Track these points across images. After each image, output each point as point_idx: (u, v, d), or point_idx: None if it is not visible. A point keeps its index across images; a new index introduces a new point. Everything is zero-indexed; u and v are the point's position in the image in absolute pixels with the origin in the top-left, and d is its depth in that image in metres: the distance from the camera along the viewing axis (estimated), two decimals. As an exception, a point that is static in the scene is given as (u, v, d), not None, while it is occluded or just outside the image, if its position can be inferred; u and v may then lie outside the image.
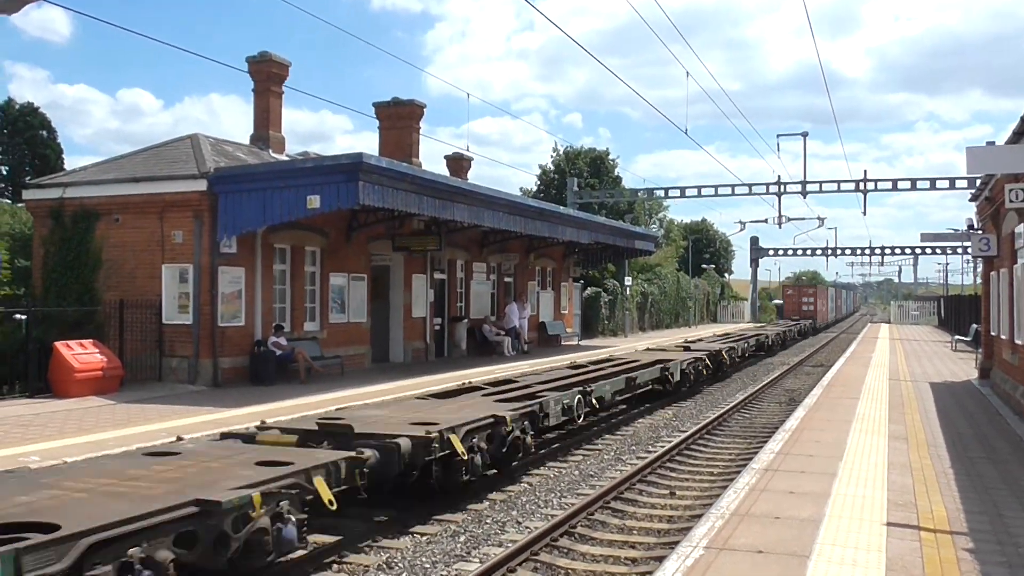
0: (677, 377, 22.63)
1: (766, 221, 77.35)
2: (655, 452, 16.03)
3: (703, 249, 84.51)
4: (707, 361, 26.15)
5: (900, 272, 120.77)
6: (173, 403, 17.26)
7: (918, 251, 79.30)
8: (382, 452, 10.20)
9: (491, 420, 12.68)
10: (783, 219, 51.96)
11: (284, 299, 23.27)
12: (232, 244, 20.57)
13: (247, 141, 26.60)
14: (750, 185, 44.99)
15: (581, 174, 58.62)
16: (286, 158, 25.89)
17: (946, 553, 7.73)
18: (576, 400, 15.72)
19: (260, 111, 26.60)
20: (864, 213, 47.49)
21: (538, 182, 64.22)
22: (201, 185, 20.24)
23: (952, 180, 41.09)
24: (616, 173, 64.63)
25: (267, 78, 26.12)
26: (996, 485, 10.65)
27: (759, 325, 58.37)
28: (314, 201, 18.31)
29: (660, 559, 9.46)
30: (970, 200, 26.70)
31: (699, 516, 11.20)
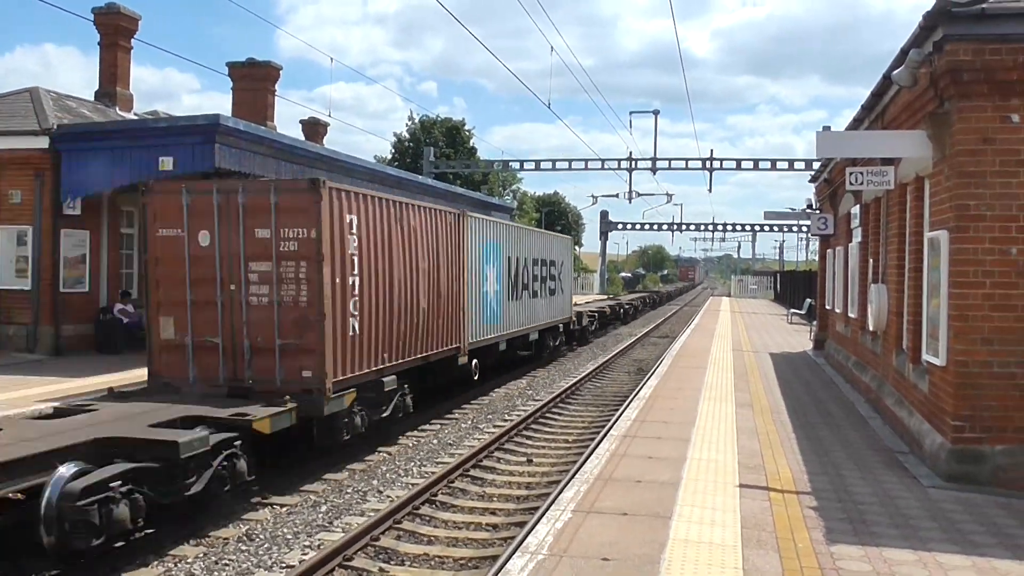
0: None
1: (617, 196, 78.95)
2: (511, 421, 16.27)
3: (555, 221, 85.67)
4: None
5: (740, 248, 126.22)
6: (10, 372, 16.29)
7: (757, 228, 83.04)
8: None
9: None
10: (633, 194, 53.28)
11: (132, 264, 22.22)
12: (76, 206, 19.43)
13: (91, 97, 25.16)
14: (603, 160, 45.92)
15: (437, 143, 58.32)
16: (134, 116, 24.66)
17: (793, 511, 8.19)
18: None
19: (107, 66, 25.15)
20: (710, 190, 49.38)
21: (393, 150, 63.57)
22: (42, 142, 19.01)
23: (791, 161, 42.98)
24: (472, 144, 64.71)
25: (115, 31, 24.69)
26: (834, 447, 11.34)
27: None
28: (167, 163, 17.51)
29: (520, 524, 9.67)
30: (810, 181, 28.11)
31: (556, 482, 11.49)
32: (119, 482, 8.08)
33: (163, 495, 8.70)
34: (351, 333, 12.63)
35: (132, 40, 25.61)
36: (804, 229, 57.71)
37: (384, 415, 13.67)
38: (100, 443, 8.78)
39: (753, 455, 10.62)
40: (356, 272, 12.73)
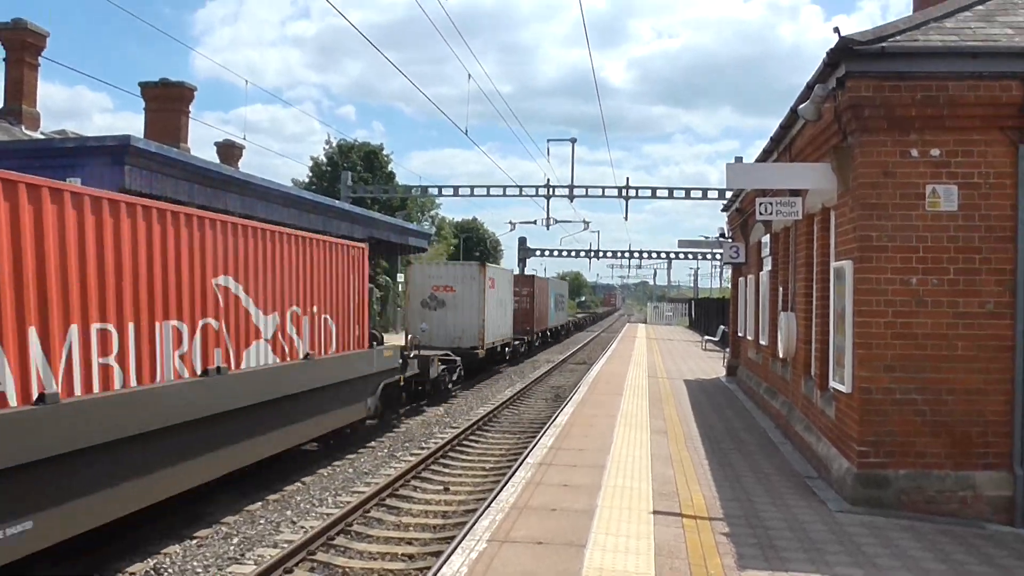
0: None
1: (535, 222, 79.52)
2: (428, 448, 16.17)
3: (473, 247, 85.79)
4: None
5: (655, 275, 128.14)
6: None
7: (672, 255, 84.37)
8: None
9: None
10: (551, 221, 53.79)
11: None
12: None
13: (-7, 116, 24.39)
14: (521, 187, 46.20)
15: (355, 168, 57.92)
16: (41, 136, 23.98)
17: (706, 537, 8.30)
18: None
19: (12, 83, 24.44)
20: (626, 218, 50.33)
21: (310, 174, 62.92)
22: (-61, 161, 18.37)
23: (704, 190, 43.88)
24: (390, 168, 64.46)
25: (21, 47, 24.05)
26: (745, 473, 11.54)
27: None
28: (74, 184, 17.04)
29: (437, 554, 9.60)
30: (722, 211, 28.73)
31: (473, 511, 11.44)
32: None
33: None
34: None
35: (39, 57, 24.95)
36: (717, 257, 58.88)
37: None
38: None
39: (667, 482, 10.74)
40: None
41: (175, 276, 10.40)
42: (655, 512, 9.18)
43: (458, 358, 24.70)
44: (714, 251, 46.05)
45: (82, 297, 8.67)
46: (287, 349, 13.56)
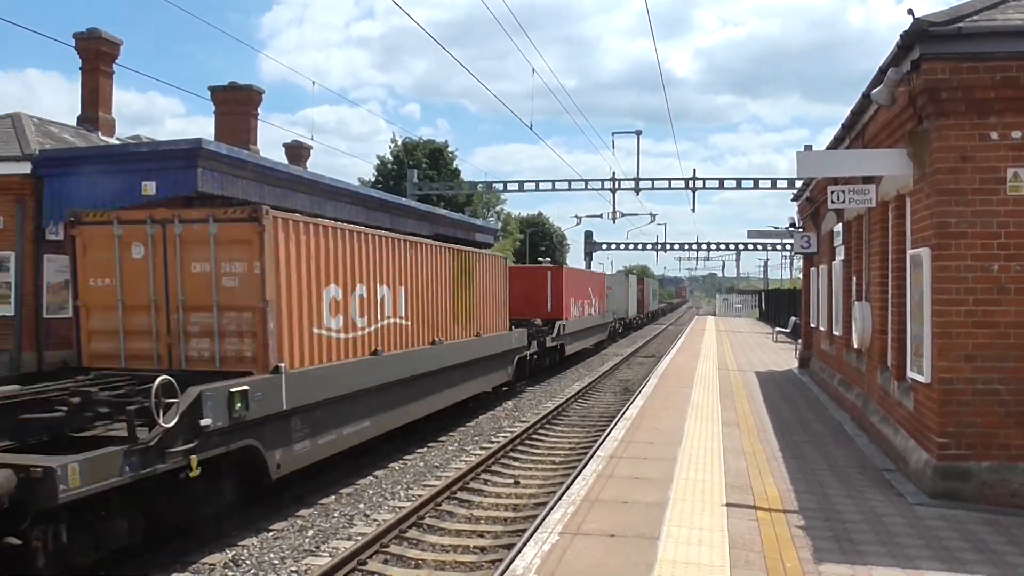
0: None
1: (601, 216, 79.10)
2: (498, 442, 16.23)
3: (539, 242, 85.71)
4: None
5: (724, 267, 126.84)
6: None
7: (741, 247, 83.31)
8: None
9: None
10: (617, 214, 53.45)
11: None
12: (59, 231, 19.32)
13: (73, 122, 25.09)
14: (586, 180, 46.03)
15: (420, 165, 58.35)
16: (116, 141, 24.58)
17: (781, 530, 8.19)
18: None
19: (88, 91, 25.08)
20: (693, 210, 49.46)
21: (376, 173, 63.56)
22: (24, 168, 18.89)
23: (774, 180, 43.14)
24: (455, 165, 64.78)
25: (96, 56, 24.66)
26: (820, 466, 11.35)
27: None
28: (149, 188, 17.40)
29: (508, 547, 9.63)
30: (792, 200, 28.26)
31: (543, 504, 11.45)
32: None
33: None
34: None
35: (113, 65, 25.57)
36: (787, 247, 57.86)
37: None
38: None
39: (740, 474, 10.61)
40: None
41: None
42: (728, 505, 9.07)
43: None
44: (784, 241, 45.21)
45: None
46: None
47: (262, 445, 10.44)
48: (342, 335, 12.99)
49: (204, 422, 9.11)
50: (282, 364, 10.97)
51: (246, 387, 9.94)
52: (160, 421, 8.48)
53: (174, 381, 8.90)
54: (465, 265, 19.34)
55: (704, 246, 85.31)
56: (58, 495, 7.29)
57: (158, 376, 8.78)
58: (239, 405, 9.72)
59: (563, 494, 10.00)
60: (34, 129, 21.53)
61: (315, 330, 12.09)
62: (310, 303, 11.95)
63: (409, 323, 15.80)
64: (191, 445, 8.97)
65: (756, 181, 43.42)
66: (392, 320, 15.00)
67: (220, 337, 11.00)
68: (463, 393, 18.96)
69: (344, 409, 12.79)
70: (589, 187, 46.02)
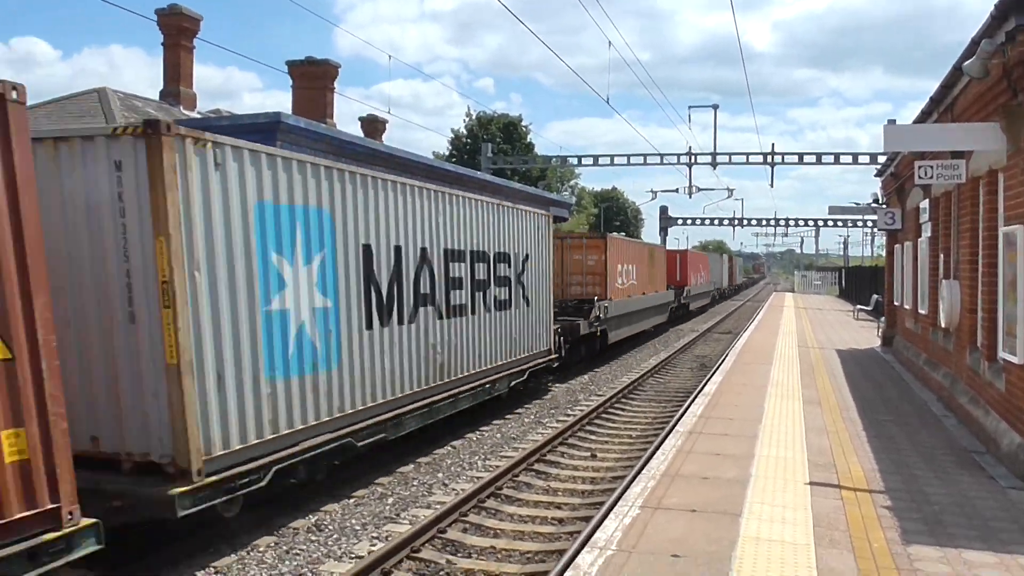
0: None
1: (677, 191, 78.18)
2: (574, 415, 16.25)
3: (613, 217, 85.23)
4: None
5: (803, 243, 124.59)
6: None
7: (820, 223, 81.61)
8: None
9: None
10: (694, 189, 52.78)
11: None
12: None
13: (156, 96, 25.70)
14: (662, 155, 45.44)
15: (494, 139, 58.39)
16: (197, 115, 25.11)
17: (867, 510, 8.04)
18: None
19: (171, 66, 25.70)
20: (772, 185, 48.70)
21: (450, 147, 63.82)
22: (110, 142, 19.49)
23: (855, 155, 42.05)
24: (529, 139, 64.68)
25: (177, 32, 25.22)
26: (905, 446, 11.10)
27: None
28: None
29: (586, 519, 9.65)
30: (875, 175, 27.51)
31: (621, 478, 11.45)
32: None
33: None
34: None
35: (194, 40, 26.09)
36: (869, 224, 56.48)
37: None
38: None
39: (823, 452, 10.45)
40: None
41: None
42: (811, 483, 8.95)
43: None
44: (866, 218, 44.13)
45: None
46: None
47: (607, 328, 24.80)
48: (624, 285, 27.43)
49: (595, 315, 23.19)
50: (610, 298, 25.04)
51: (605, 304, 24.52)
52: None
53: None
54: (650, 249, 35.56)
55: (782, 222, 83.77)
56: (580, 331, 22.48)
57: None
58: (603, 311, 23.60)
59: (643, 468, 9.98)
60: (119, 103, 22.09)
61: (618, 283, 26.75)
62: (624, 272, 27.32)
63: (636, 283, 29.97)
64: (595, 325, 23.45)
65: (837, 156, 42.35)
66: (634, 281, 29.40)
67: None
68: (650, 324, 33.55)
69: (628, 319, 28.05)
70: (665, 161, 45.45)
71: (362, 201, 11.10)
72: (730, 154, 45.07)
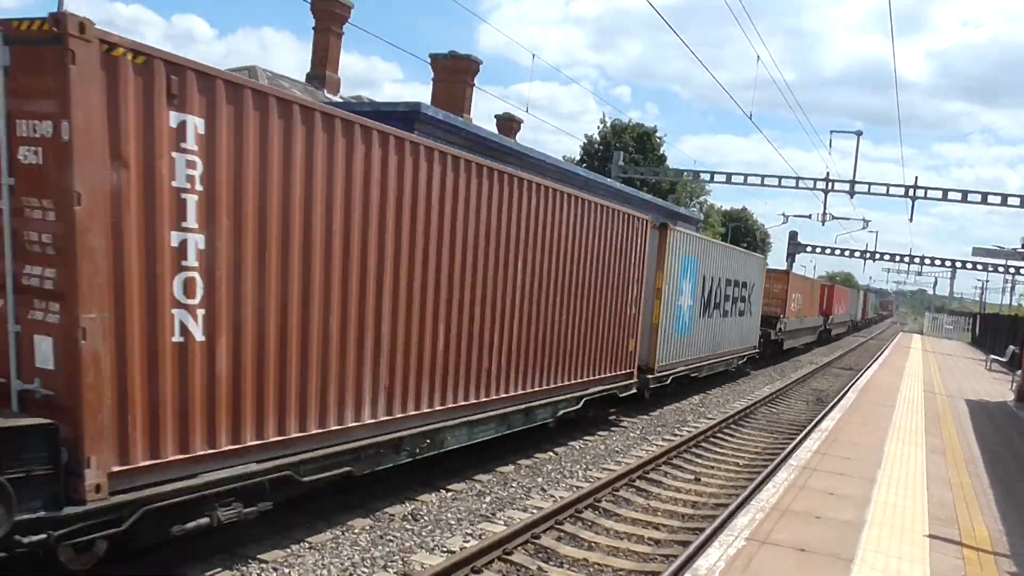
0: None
1: (809, 216, 76.13)
2: (681, 436, 15.86)
3: (741, 238, 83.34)
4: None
5: (936, 283, 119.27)
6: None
7: (958, 264, 78.05)
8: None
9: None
10: (827, 216, 51.07)
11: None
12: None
13: (302, 79, 26.39)
14: (798, 178, 44.10)
15: (627, 148, 57.85)
16: (340, 99, 25.68)
17: (989, 573, 7.50)
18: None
19: (319, 50, 26.36)
20: (911, 220, 46.77)
21: (582, 151, 63.58)
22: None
23: (1005, 196, 40.02)
24: (662, 151, 63.85)
25: (329, 17, 25.86)
26: (1036, 510, 10.37)
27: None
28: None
29: (684, 543, 9.33)
30: (1027, 219, 26.12)
31: (723, 505, 11.06)
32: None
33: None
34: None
35: (343, 26, 26.67)
36: (1012, 270, 53.71)
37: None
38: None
39: (944, 506, 9.84)
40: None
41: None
42: (931, 536, 8.41)
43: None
44: (1011, 263, 41.93)
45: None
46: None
47: (784, 339, 35.00)
48: (795, 309, 34.28)
49: (778, 327, 34.28)
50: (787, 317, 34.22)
51: (784, 320, 34.83)
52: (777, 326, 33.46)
53: None
54: (811, 282, 38.80)
55: (917, 259, 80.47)
56: (770, 336, 33.26)
57: None
58: (783, 325, 34.16)
59: (750, 498, 9.60)
60: (267, 82, 22.73)
61: (792, 307, 33.47)
62: (795, 299, 33.69)
63: (802, 308, 33.22)
64: (778, 334, 34.10)
65: (984, 196, 40.35)
66: (800, 306, 33.71)
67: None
68: (806, 341, 39.98)
69: (795, 334, 35.16)
70: (800, 185, 44.18)
71: (703, 254, 20.83)
72: (870, 183, 43.44)
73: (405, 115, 18.61)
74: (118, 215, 6.05)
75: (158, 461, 6.50)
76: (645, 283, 16.58)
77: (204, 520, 6.88)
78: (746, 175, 44.36)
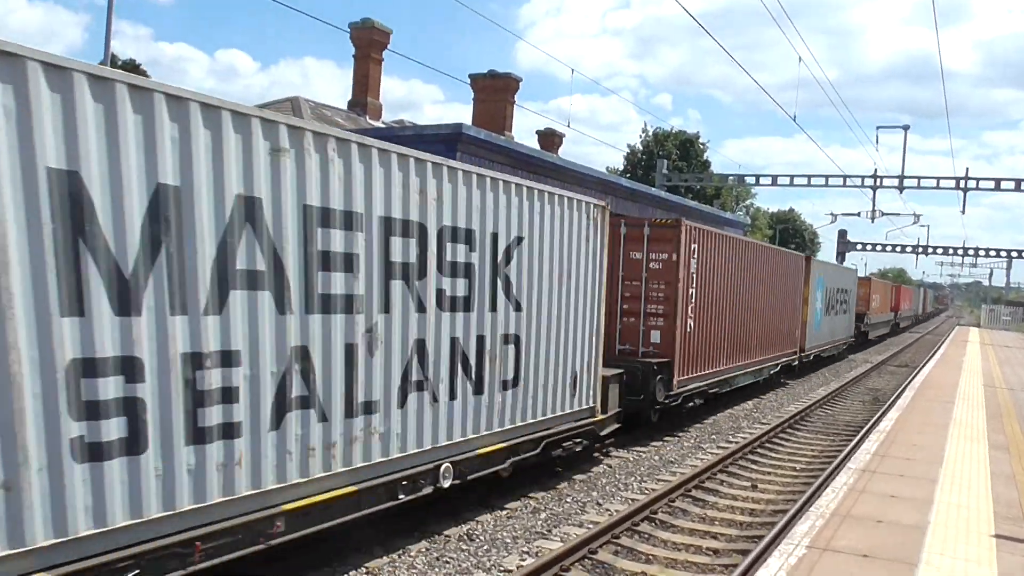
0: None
1: (858, 215, 75.26)
2: (736, 443, 15.70)
3: (789, 239, 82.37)
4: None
5: (991, 275, 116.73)
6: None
7: (1014, 254, 76.31)
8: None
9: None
10: (877, 213, 50.29)
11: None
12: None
13: (344, 107, 26.71)
14: (845, 176, 43.49)
15: (670, 156, 57.57)
16: (382, 125, 25.95)
17: (1059, 572, 7.30)
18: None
19: (359, 77, 26.68)
20: (963, 212, 46.03)
21: (625, 162, 63.41)
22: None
23: (1059, 182, 39.18)
24: (705, 157, 63.43)
25: (368, 44, 26.16)
26: (1108, 505, 10.08)
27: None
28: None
29: (743, 552, 9.23)
30: (1083, 205, 25.50)
31: (782, 511, 10.92)
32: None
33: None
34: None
35: (383, 52, 26.96)
36: (1071, 258, 52.33)
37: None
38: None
39: (1011, 504, 9.61)
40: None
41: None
42: (997, 536, 8.22)
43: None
44: (1068, 251, 40.85)
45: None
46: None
47: (868, 331, 45.59)
48: (875, 306, 45.91)
49: (866, 322, 45.08)
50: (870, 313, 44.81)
51: (868, 316, 45.50)
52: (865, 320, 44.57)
53: None
54: (884, 284, 48.09)
55: (971, 251, 78.83)
56: (860, 328, 44.26)
57: None
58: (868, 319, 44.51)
59: (810, 504, 9.47)
60: (310, 112, 23.08)
61: (873, 304, 44.54)
62: (875, 299, 44.23)
63: (879, 305, 40.60)
64: (864, 327, 45.01)
65: (1038, 183, 39.51)
66: (878, 304, 44.48)
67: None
68: (881, 332, 49.31)
69: (876, 326, 46.92)
70: (848, 183, 43.58)
71: (825, 272, 30.74)
72: (919, 178, 42.71)
73: (447, 137, 18.74)
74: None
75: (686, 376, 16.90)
76: (798, 293, 26.23)
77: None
78: (792, 176, 43.89)
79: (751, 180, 46.75)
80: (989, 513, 9.10)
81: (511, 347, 10.27)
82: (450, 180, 9.18)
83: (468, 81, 33.15)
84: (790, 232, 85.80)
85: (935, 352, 36.88)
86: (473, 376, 9.59)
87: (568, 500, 11.40)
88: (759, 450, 15.45)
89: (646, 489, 12.20)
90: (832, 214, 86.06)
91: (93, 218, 5.58)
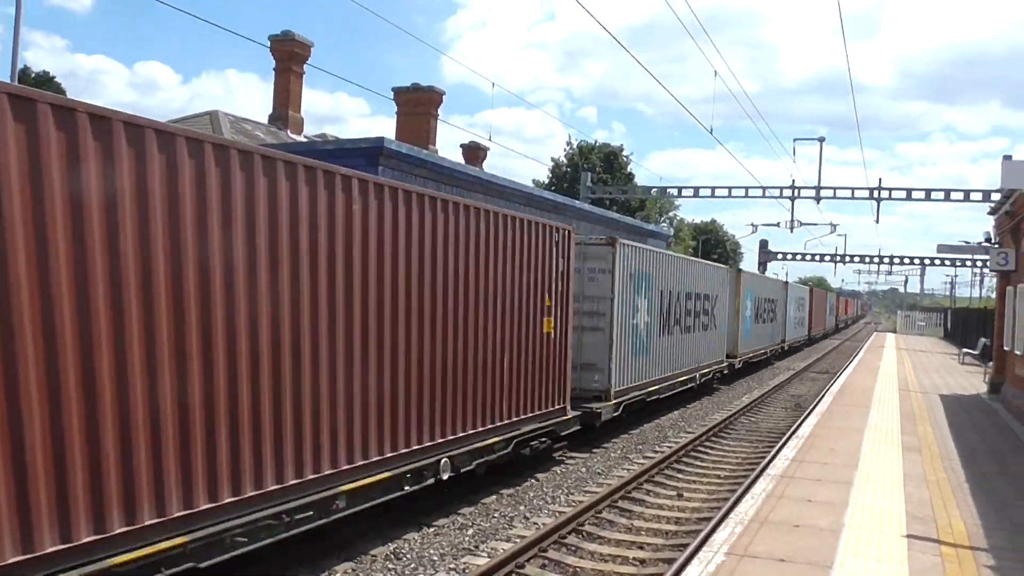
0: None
1: (778, 224, 76.31)
2: (662, 452, 15.91)
3: (712, 250, 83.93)
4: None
5: (907, 282, 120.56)
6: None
7: (927, 262, 78.87)
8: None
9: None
10: (795, 223, 51.53)
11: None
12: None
13: (265, 120, 26.44)
14: (764, 188, 44.48)
15: (594, 168, 58.17)
16: (304, 139, 25.74)
17: (968, 569, 7.60)
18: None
19: (280, 91, 26.45)
20: (877, 221, 47.22)
21: (550, 175, 63.84)
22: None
23: (967, 192, 40.51)
24: (629, 169, 64.27)
25: (289, 58, 25.96)
26: (1012, 501, 10.51)
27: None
28: None
29: (668, 561, 9.37)
30: (988, 213, 26.49)
31: (707, 519, 11.11)
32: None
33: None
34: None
35: (304, 66, 26.78)
36: (979, 264, 54.43)
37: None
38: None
39: (922, 504, 9.96)
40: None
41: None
42: (909, 536, 8.52)
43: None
44: (977, 257, 42.51)
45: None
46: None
47: (815, 335, 58.58)
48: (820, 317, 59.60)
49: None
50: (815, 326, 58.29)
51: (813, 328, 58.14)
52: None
53: None
54: (827, 295, 59.59)
55: (887, 259, 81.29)
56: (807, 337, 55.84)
57: None
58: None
59: (730, 512, 9.66)
60: (229, 126, 22.77)
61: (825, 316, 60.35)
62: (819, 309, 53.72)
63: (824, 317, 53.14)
64: (813, 337, 59.10)
65: (947, 193, 40.87)
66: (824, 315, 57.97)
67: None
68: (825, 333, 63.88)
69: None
70: (767, 194, 44.57)
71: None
72: (835, 188, 43.79)
73: (368, 151, 18.68)
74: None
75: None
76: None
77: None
78: (713, 188, 44.68)
79: (674, 192, 47.48)
80: (901, 514, 9.42)
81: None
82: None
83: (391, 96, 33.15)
84: (713, 243, 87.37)
85: (854, 358, 37.89)
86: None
87: (496, 515, 11.43)
88: (684, 459, 15.69)
89: (573, 501, 12.30)
90: (753, 224, 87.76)
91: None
